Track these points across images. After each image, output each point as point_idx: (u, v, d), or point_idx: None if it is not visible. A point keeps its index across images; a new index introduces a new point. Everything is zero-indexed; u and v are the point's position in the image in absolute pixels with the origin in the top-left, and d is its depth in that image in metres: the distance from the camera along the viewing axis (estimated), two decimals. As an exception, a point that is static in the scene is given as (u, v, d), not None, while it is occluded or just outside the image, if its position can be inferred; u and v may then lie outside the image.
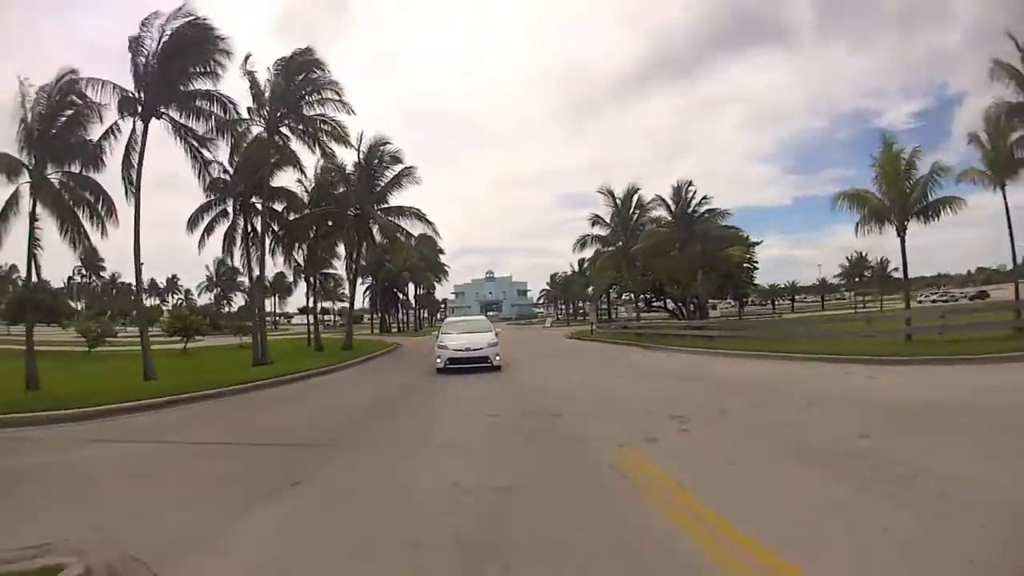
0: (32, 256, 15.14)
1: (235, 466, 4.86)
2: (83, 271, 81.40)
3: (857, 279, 59.49)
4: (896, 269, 79.54)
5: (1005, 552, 2.43)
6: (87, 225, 15.57)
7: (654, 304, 34.00)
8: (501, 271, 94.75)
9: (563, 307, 76.12)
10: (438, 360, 12.74)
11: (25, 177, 14.76)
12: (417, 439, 5.77)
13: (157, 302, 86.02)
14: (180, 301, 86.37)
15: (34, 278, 16.67)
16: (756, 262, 33.81)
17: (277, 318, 68.62)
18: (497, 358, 12.77)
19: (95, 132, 15.74)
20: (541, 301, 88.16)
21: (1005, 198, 14.38)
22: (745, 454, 4.47)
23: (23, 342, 16.09)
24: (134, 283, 19.24)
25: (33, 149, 14.92)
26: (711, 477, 3.80)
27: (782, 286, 70.37)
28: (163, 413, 8.14)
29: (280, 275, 35.27)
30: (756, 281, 40.12)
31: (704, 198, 21.97)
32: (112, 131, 16.00)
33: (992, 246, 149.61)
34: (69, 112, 15.57)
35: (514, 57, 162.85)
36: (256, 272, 22.41)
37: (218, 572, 2.63)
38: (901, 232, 14.20)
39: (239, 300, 73.53)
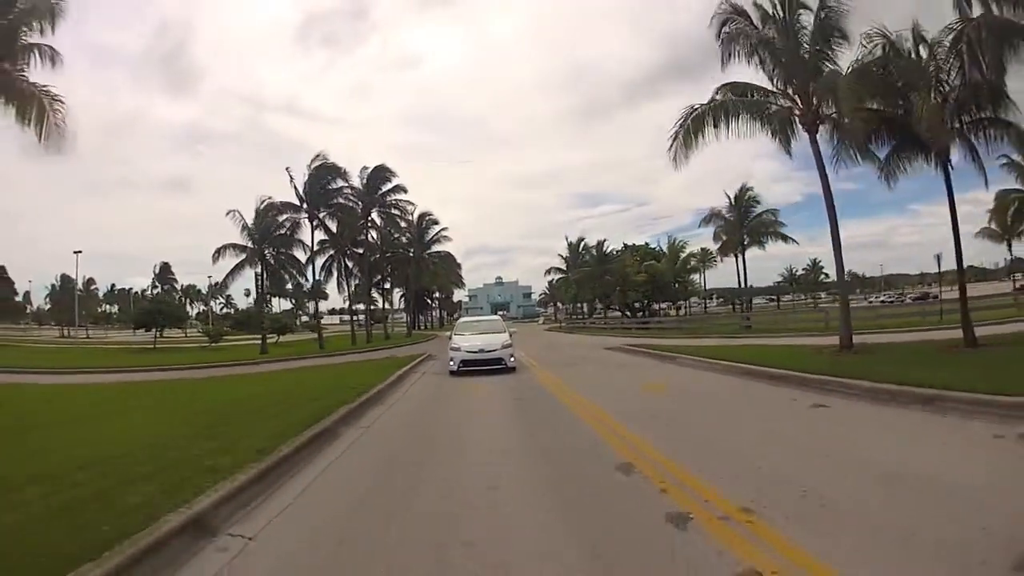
0: (260, 294, 30.76)
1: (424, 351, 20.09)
2: (157, 283, 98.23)
3: (794, 283, 73.82)
4: (828, 275, 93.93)
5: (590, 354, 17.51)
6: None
7: (612, 307, 49.10)
8: (512, 270, 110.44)
9: (558, 308, 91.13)
10: (451, 362, 12.44)
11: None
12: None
13: (203, 307, 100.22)
14: (223, 305, 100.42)
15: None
16: (679, 279, 48.56)
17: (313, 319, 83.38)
18: (512, 359, 12.65)
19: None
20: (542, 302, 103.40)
21: (737, 260, 30.27)
22: (559, 360, 19.33)
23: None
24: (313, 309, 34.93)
25: (255, 240, 30.23)
26: (549, 364, 18.30)
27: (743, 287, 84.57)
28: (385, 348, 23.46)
29: (317, 282, 47.59)
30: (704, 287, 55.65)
31: (612, 248, 37.66)
32: (293, 225, 31.55)
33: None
34: (271, 217, 31.02)
35: (524, 58, 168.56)
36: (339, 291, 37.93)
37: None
38: (673, 284, 29.95)
39: (275, 305, 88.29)
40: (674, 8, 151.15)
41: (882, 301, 57.57)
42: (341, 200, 32.41)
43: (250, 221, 29.82)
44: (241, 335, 47.69)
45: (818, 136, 11.34)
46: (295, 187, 31.53)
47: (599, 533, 3.11)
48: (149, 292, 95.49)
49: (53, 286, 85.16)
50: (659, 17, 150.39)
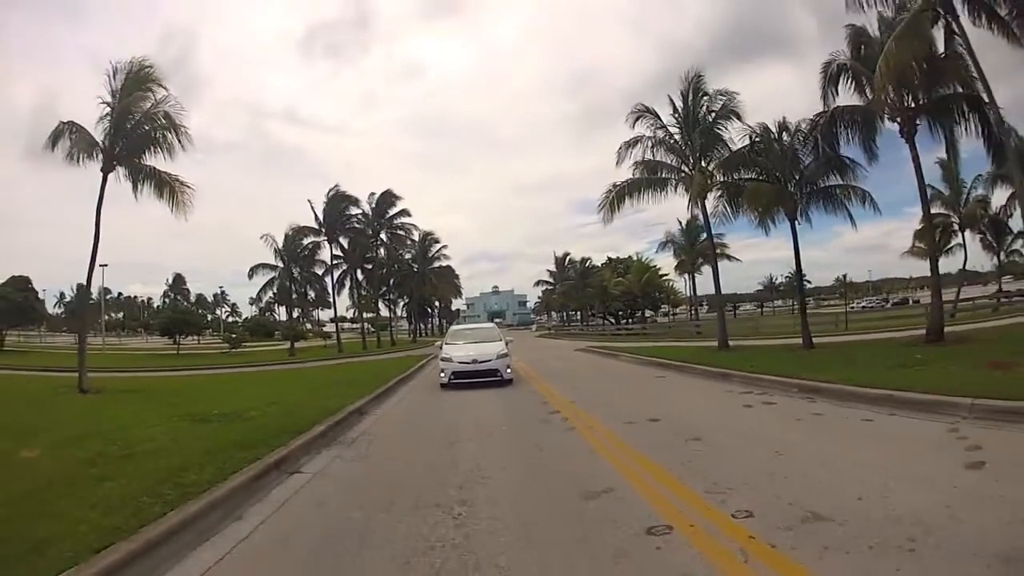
0: (291, 306, 35.97)
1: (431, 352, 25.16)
2: (171, 292, 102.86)
3: (778, 289, 79.24)
4: (809, 281, 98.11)
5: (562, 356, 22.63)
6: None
7: (595, 315, 54.29)
8: (511, 277, 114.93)
9: (550, 316, 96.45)
10: (442, 374, 11.77)
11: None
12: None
13: (209, 316, 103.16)
14: (228, 313, 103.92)
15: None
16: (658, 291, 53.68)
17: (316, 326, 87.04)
18: (508, 370, 12.03)
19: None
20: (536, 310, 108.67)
21: (693, 280, 35.71)
22: (534, 357, 24.39)
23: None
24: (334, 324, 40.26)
25: (284, 260, 35.60)
26: (524, 359, 23.57)
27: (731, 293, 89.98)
28: (394, 352, 28.50)
29: (325, 292, 51.90)
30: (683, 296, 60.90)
31: (593, 265, 42.95)
32: (315, 246, 36.86)
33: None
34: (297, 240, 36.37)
35: (528, 65, 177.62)
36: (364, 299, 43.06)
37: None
38: (639, 296, 35.01)
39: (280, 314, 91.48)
40: (675, 17, 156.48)
41: (863, 307, 59.57)
42: (356, 224, 37.81)
43: (263, 240, 35.62)
44: (252, 341, 51.96)
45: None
46: (315, 214, 37.05)
47: (513, 409, 8.40)
48: (160, 302, 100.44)
49: (62, 293, 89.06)
50: (660, 26, 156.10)
